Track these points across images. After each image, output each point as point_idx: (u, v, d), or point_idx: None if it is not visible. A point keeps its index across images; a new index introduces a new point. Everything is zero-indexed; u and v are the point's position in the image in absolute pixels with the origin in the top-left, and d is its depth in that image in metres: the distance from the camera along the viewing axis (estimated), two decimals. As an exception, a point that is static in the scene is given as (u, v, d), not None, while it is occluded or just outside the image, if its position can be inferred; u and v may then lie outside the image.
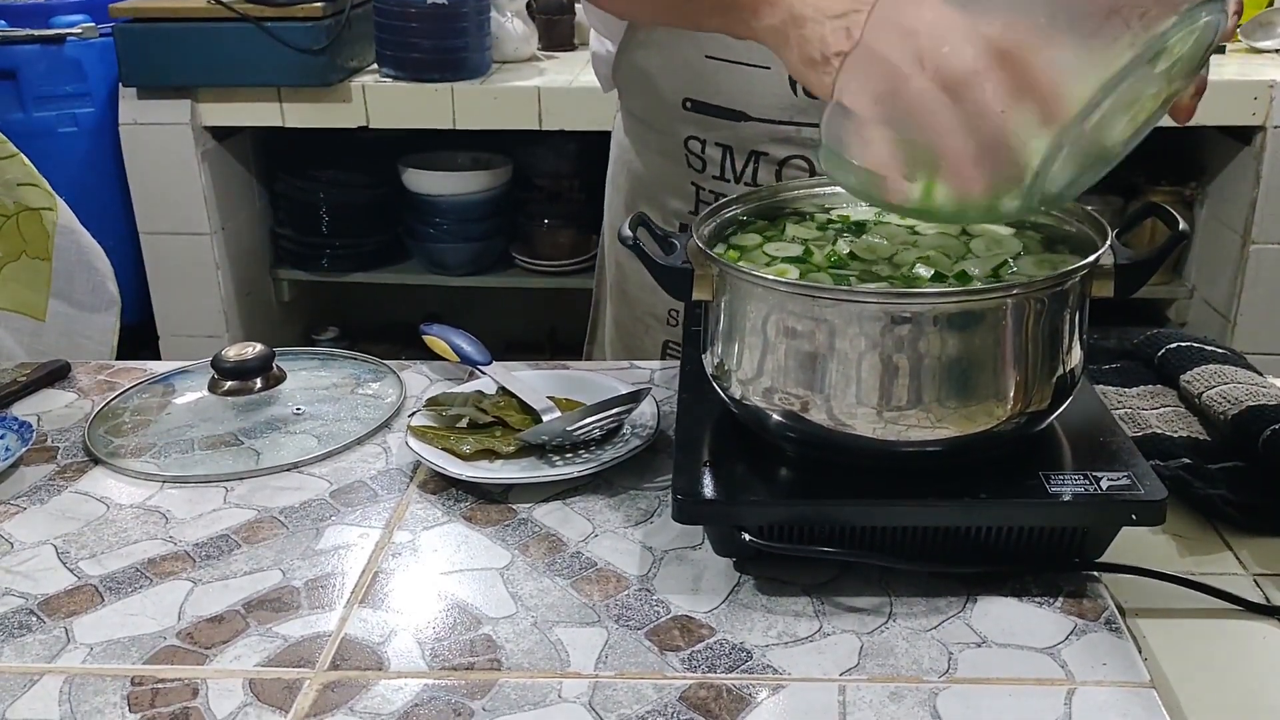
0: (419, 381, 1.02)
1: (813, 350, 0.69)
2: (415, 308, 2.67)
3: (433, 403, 0.92)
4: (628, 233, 0.75)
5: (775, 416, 0.72)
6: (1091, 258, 0.70)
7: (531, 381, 0.95)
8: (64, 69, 2.10)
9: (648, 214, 1.14)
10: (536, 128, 2.13)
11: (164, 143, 2.17)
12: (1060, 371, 0.71)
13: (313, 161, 2.37)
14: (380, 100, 2.13)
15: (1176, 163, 2.19)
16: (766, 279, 0.69)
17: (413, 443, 0.86)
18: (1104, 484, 0.69)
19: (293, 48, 2.04)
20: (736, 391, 0.74)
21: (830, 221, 0.84)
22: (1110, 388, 0.96)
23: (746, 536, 0.69)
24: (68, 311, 1.16)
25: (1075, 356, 0.72)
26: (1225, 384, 0.90)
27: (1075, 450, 0.74)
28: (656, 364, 1.04)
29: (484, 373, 0.98)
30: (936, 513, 0.69)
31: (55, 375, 1.03)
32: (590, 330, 1.33)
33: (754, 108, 1.00)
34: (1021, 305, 0.67)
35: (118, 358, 2.25)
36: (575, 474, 0.82)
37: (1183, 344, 0.99)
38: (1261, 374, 0.92)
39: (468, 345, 1.01)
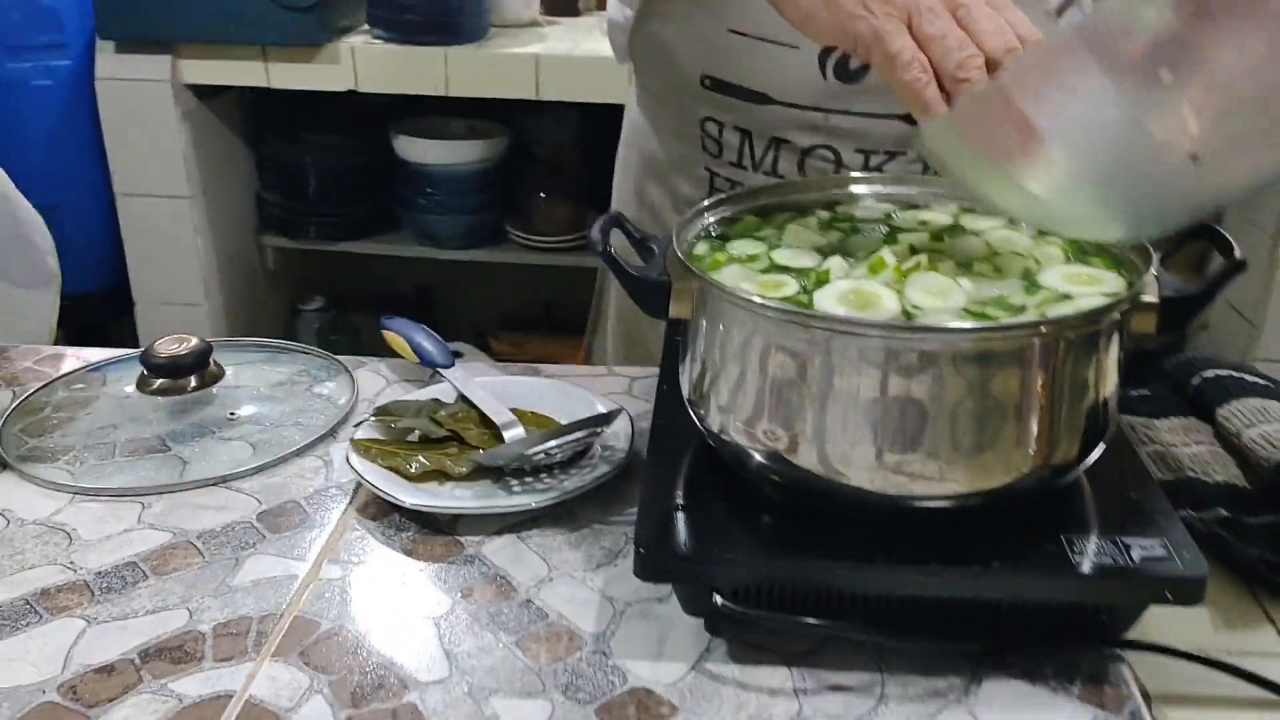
0: (374, 382, 0.92)
1: (803, 384, 0.59)
2: (405, 279, 2.57)
3: (382, 412, 0.82)
4: (597, 236, 0.65)
5: (757, 456, 0.62)
6: (1132, 290, 0.60)
7: (497, 389, 0.85)
8: (39, 17, 1.99)
9: (656, 197, 1.06)
10: (533, 97, 2.02)
11: (143, 100, 2.06)
12: (1090, 418, 0.61)
13: (302, 124, 2.26)
14: (370, 62, 2.02)
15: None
16: (752, 300, 0.59)
17: (354, 460, 0.76)
18: (1135, 554, 0.59)
19: (279, 4, 1.93)
20: (714, 423, 0.65)
21: (834, 219, 0.74)
22: (1138, 418, 0.86)
23: (719, 599, 0.60)
24: (3, 290, 1.07)
25: (1109, 401, 0.62)
26: (1269, 423, 0.80)
27: (1102, 508, 0.64)
28: (637, 371, 0.94)
29: (445, 377, 0.88)
30: (940, 582, 0.59)
31: (-25, 361, 0.94)
32: (592, 320, 1.23)
33: (778, 90, 0.89)
34: (1049, 345, 0.58)
35: (78, 331, 2.17)
36: (533, 505, 0.73)
37: (1221, 373, 0.88)
38: (1311, 412, 0.82)
39: (429, 344, 0.91)
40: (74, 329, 2.25)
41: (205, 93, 2.13)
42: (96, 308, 2.21)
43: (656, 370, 0.84)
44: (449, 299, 2.64)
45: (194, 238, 2.15)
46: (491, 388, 0.85)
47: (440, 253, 2.30)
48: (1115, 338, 0.61)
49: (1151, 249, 0.65)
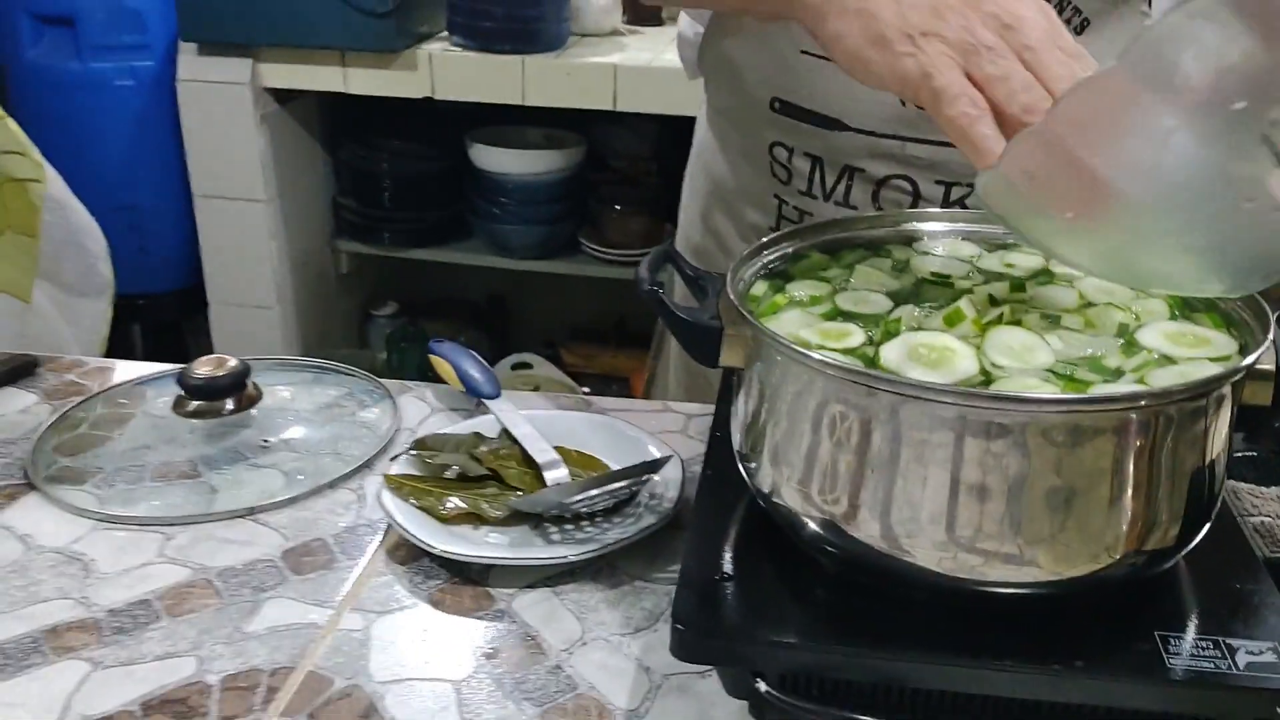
0: (417, 409, 0.88)
1: (865, 448, 0.53)
2: (478, 287, 2.55)
3: (420, 445, 0.78)
4: (645, 275, 0.60)
5: (811, 524, 0.56)
6: (1245, 357, 0.52)
7: (543, 424, 0.80)
8: (124, 18, 2.00)
9: (721, 223, 0.99)
10: (611, 108, 1.98)
11: (223, 102, 2.06)
12: (1193, 500, 0.54)
13: (378, 131, 2.25)
14: (447, 70, 2.00)
15: None
16: (809, 356, 0.54)
17: (386, 499, 0.72)
18: (1240, 659, 0.52)
19: (359, 10, 1.92)
20: (765, 483, 0.59)
21: (910, 262, 0.68)
22: (1242, 485, 0.77)
23: (763, 686, 0.54)
24: (55, 295, 1.05)
25: (1215, 480, 0.55)
26: (1396, 499, 0.71)
27: (1202, 599, 0.57)
28: (695, 408, 0.89)
29: (489, 408, 0.83)
30: (1014, 680, 0.52)
31: (18, 372, 0.92)
32: (655, 344, 1.17)
33: (852, 115, 0.83)
34: (1149, 419, 0.51)
35: (154, 329, 2.18)
36: (571, 558, 0.67)
37: (1340, 437, 0.80)
38: None
39: (476, 372, 0.86)
40: (150, 327, 2.27)
41: (284, 97, 2.12)
42: (172, 307, 2.22)
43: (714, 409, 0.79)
44: (520, 309, 2.61)
45: (269, 241, 2.15)
46: (537, 422, 0.80)
47: (513, 263, 2.26)
48: (1225, 410, 0.54)
49: (1267, 305, 0.57)
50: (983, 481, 0.51)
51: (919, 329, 0.59)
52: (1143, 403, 0.50)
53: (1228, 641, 0.53)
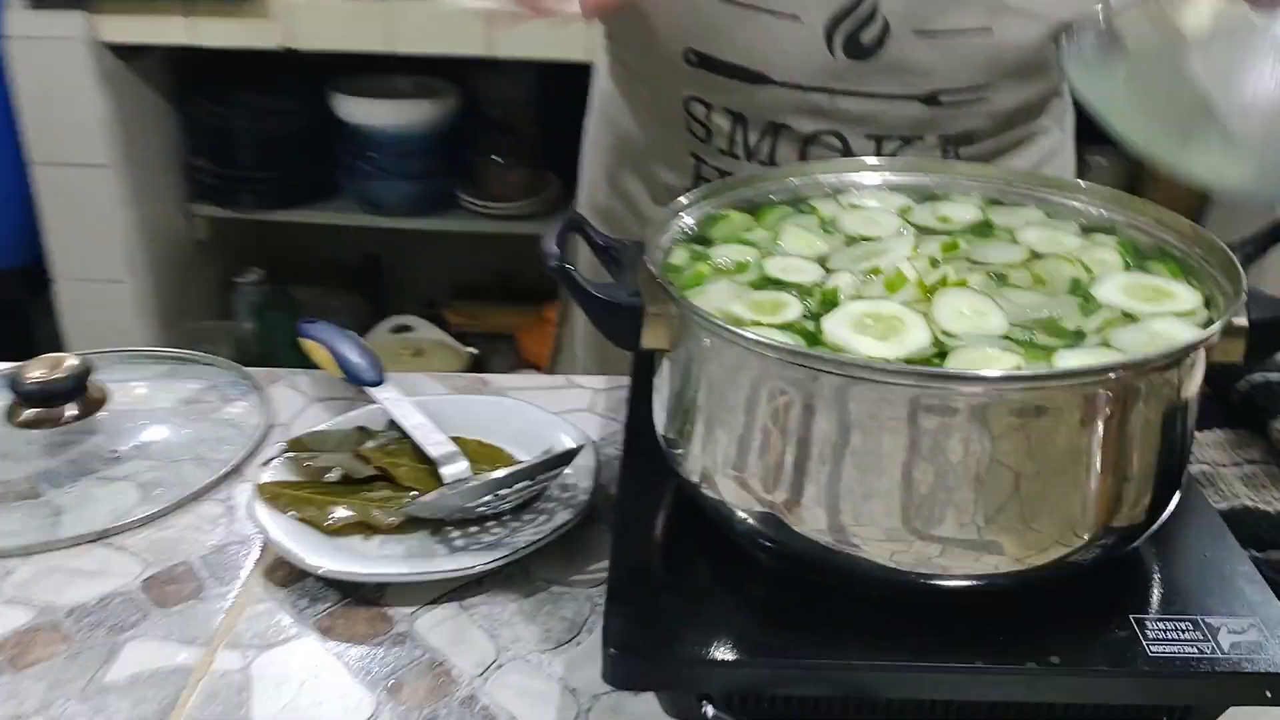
0: (291, 401, 0.79)
1: (808, 435, 0.47)
2: (350, 249, 2.42)
3: (296, 446, 0.69)
4: (553, 249, 0.52)
5: (747, 518, 0.50)
6: (1227, 315, 0.48)
7: (437, 412, 0.72)
8: (-63, -31, 1.80)
9: (631, 185, 0.89)
10: (486, 54, 1.87)
11: (58, 60, 1.88)
12: (1165, 469, 0.49)
13: (233, 85, 2.09)
14: (306, 17, 1.85)
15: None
16: (746, 336, 0.47)
17: (260, 512, 0.63)
18: (1224, 639, 0.48)
19: (200, -48, 1.76)
20: (694, 472, 0.52)
21: (833, 220, 0.62)
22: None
23: (710, 711, 0.48)
24: None
25: (1186, 446, 0.51)
26: (1337, 442, 0.69)
27: (1173, 575, 0.52)
28: (602, 382, 0.81)
29: (373, 397, 0.75)
30: (987, 682, 0.47)
31: None
32: (561, 312, 1.08)
33: (777, 68, 0.75)
34: (1124, 389, 0.45)
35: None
36: (478, 567, 0.60)
37: (1272, 377, 0.77)
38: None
39: (356, 356, 0.77)
40: (-13, 309, 2.09)
41: (126, 53, 1.95)
42: (12, 286, 2.04)
43: (627, 381, 0.72)
44: (397, 269, 2.49)
45: (117, 209, 1.98)
46: (430, 409, 0.72)
47: (387, 221, 2.14)
48: (1197, 370, 0.49)
49: (1232, 254, 0.53)
50: (941, 464, 0.45)
51: (859, 297, 0.53)
52: (1115, 374, 0.45)
53: (1207, 621, 0.49)
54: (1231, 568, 0.52)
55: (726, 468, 0.50)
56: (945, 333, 0.50)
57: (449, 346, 2.24)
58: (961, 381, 0.45)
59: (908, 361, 0.48)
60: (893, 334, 0.49)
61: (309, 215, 2.16)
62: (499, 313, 2.37)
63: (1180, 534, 0.54)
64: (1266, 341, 0.50)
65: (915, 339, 0.49)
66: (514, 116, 2.21)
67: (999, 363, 0.47)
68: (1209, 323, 0.51)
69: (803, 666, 0.47)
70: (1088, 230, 0.60)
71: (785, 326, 0.51)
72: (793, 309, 0.52)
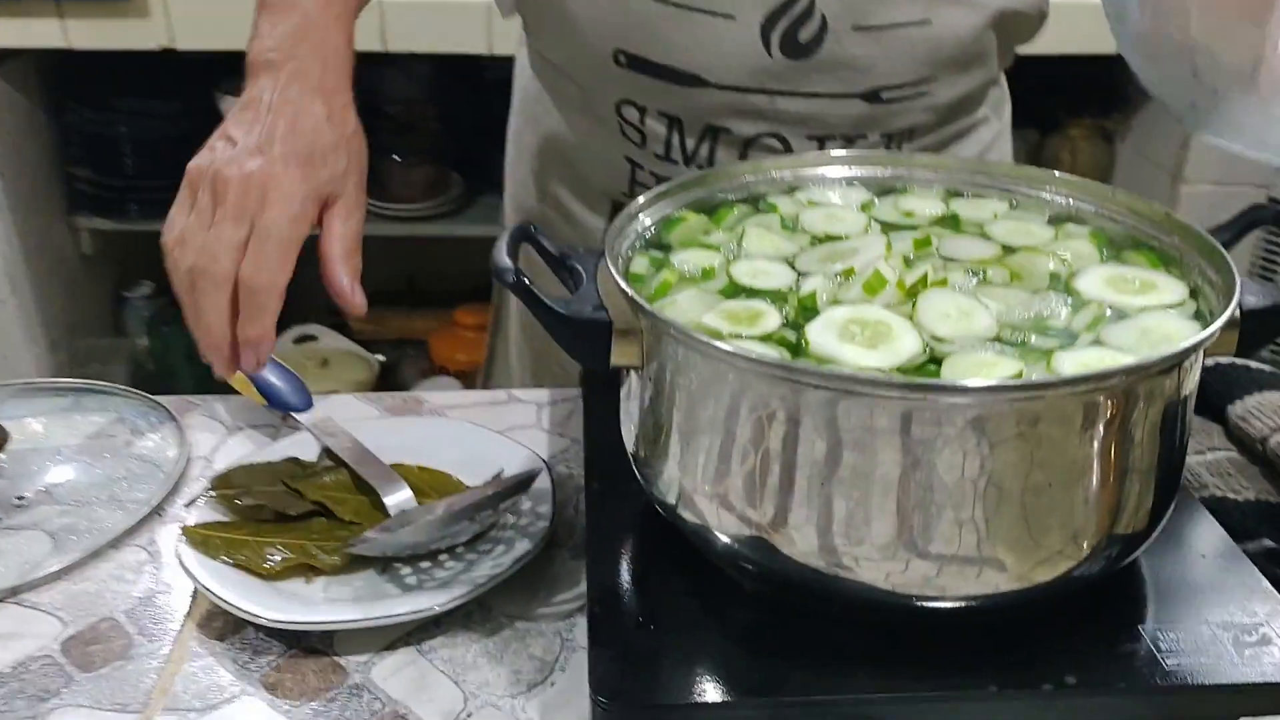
0: (210, 432, 0.73)
1: (794, 453, 0.44)
2: (246, 257, 2.32)
3: (222, 483, 0.63)
4: (506, 263, 0.48)
5: (730, 542, 0.47)
6: (1229, 310, 0.46)
7: (373, 438, 0.67)
8: None
9: (561, 190, 0.84)
10: (380, 49, 1.80)
11: (-84, 67, 1.76)
12: (1165, 471, 0.47)
13: (111, 89, 1.98)
14: (186, 16, 1.76)
15: (1098, 92, 2.00)
16: (729, 352, 0.43)
17: (188, 559, 0.58)
18: (1237, 646, 0.46)
19: (71, -52, 1.66)
20: (670, 493, 0.49)
21: (795, 218, 0.58)
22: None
23: (708, 756, 0.44)
24: None
25: (1184, 447, 0.49)
26: (1295, 425, 0.68)
27: (1172, 580, 0.51)
28: (545, 395, 0.77)
29: (302, 424, 0.69)
30: (999, 708, 0.45)
31: None
32: (493, 321, 1.02)
33: (712, 70, 0.71)
34: (1127, 393, 0.43)
35: None
36: (436, 608, 0.55)
37: (1223, 361, 0.77)
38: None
39: (279, 380, 0.72)
40: None
41: (-7, 56, 1.84)
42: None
43: (574, 393, 0.68)
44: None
45: (-9, 224, 1.87)
46: (365, 435, 0.67)
47: (283, 227, 2.05)
48: (1196, 367, 0.47)
49: (1216, 242, 0.51)
50: (939, 477, 0.43)
51: (837, 301, 0.50)
52: (1120, 378, 0.43)
53: (1213, 623, 0.47)
54: (1229, 567, 0.51)
55: (706, 488, 0.47)
56: (935, 337, 0.47)
57: (356, 355, 2.16)
58: (965, 394, 0.42)
59: (903, 371, 0.45)
60: (881, 341, 0.46)
61: (200, 223, 2.06)
62: (407, 318, 2.30)
63: (1171, 534, 0.53)
64: (1260, 332, 0.48)
65: (906, 346, 0.46)
66: (412, 113, 2.13)
67: (998, 369, 0.45)
68: (1198, 314, 0.49)
69: (807, 703, 0.44)
70: (1057, 220, 0.58)
71: (766, 338, 0.47)
72: (771, 319, 0.49)
